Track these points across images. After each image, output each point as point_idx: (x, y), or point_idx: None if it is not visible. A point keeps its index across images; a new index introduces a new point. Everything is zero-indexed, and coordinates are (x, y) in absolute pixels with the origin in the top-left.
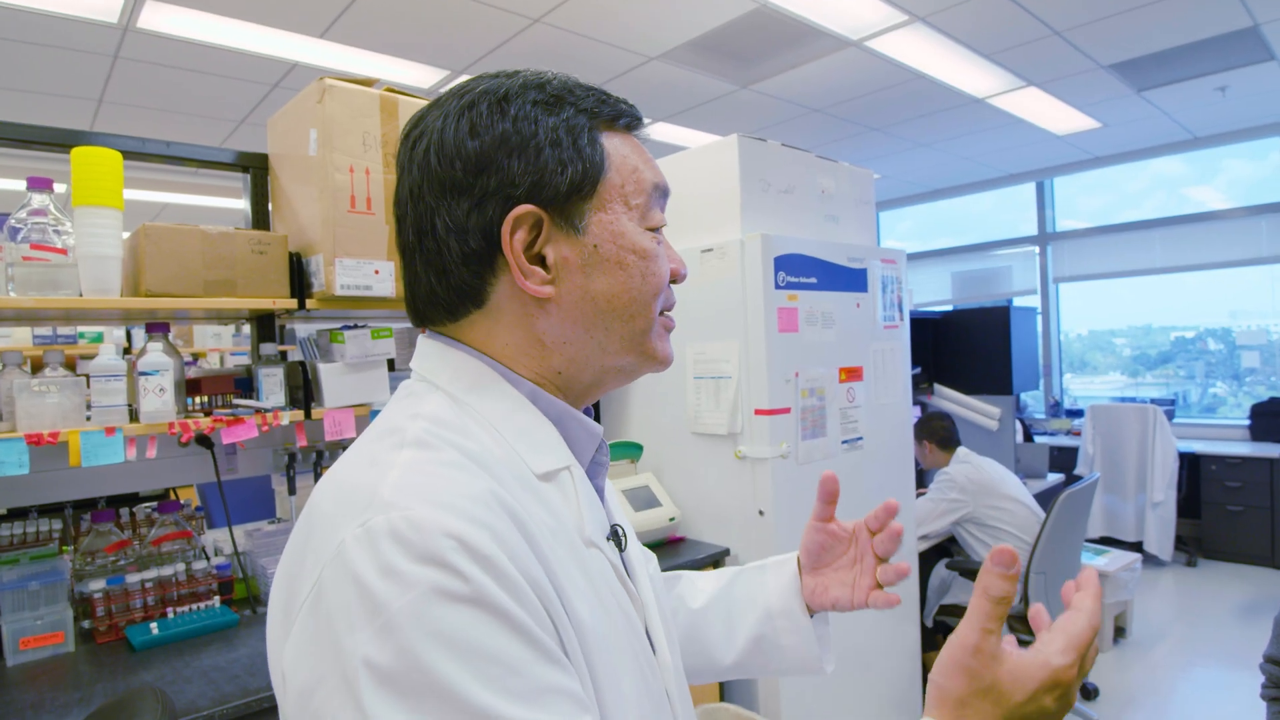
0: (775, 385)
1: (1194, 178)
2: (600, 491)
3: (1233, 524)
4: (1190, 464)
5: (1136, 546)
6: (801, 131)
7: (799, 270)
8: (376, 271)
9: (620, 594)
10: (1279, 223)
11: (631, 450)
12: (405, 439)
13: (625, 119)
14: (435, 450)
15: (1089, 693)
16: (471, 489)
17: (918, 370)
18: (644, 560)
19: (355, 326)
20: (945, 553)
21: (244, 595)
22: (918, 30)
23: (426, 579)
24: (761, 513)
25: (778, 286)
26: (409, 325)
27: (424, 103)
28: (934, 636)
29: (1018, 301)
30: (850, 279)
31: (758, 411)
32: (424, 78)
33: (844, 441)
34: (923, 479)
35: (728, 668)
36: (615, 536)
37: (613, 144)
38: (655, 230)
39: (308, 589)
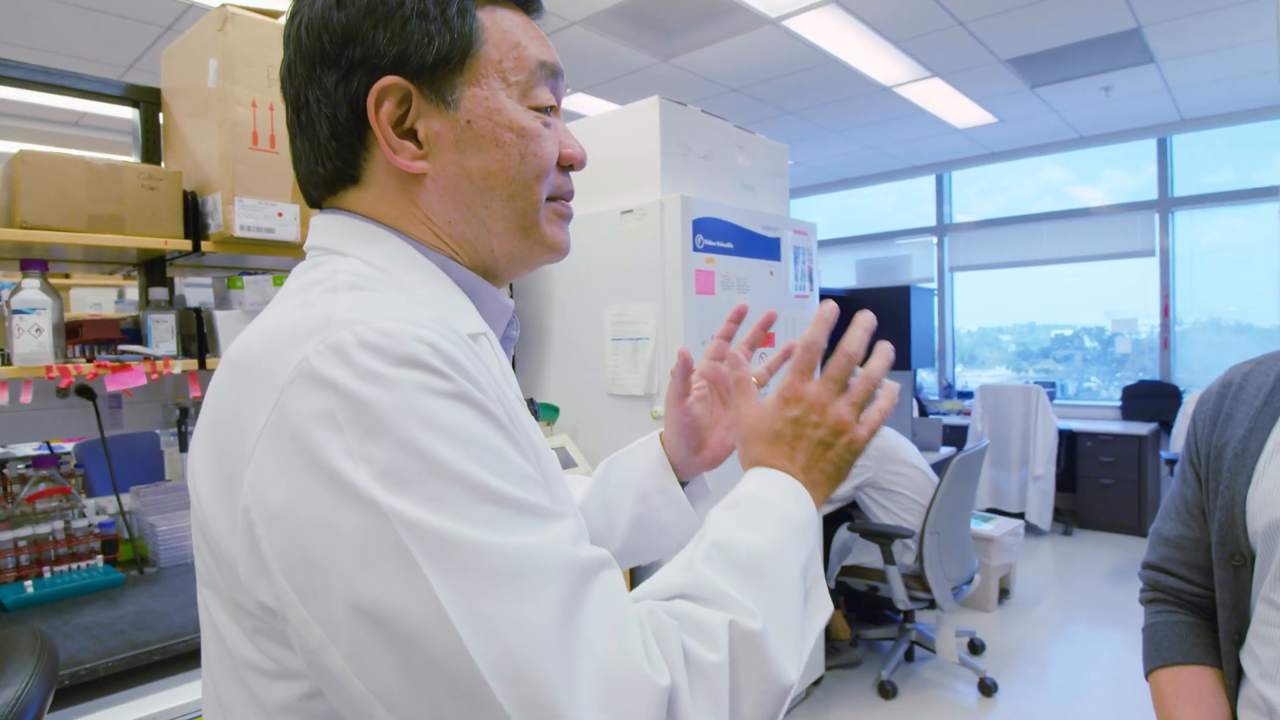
0: (692, 347)
1: (1076, 179)
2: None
3: (1105, 496)
4: (1068, 441)
5: (1019, 517)
6: (720, 110)
7: (716, 235)
8: (280, 214)
9: (546, 449)
10: (1151, 219)
11: (549, 412)
12: (337, 284)
13: None
14: (374, 291)
15: (975, 647)
16: (427, 314)
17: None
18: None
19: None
20: (847, 517)
21: (130, 556)
22: (833, 11)
23: (410, 378)
24: None
25: (696, 249)
26: None
27: None
28: (836, 597)
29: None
30: (765, 246)
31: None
32: None
33: None
34: None
35: (614, 555)
36: (530, 406)
37: (492, 18)
38: (543, 111)
39: (262, 419)
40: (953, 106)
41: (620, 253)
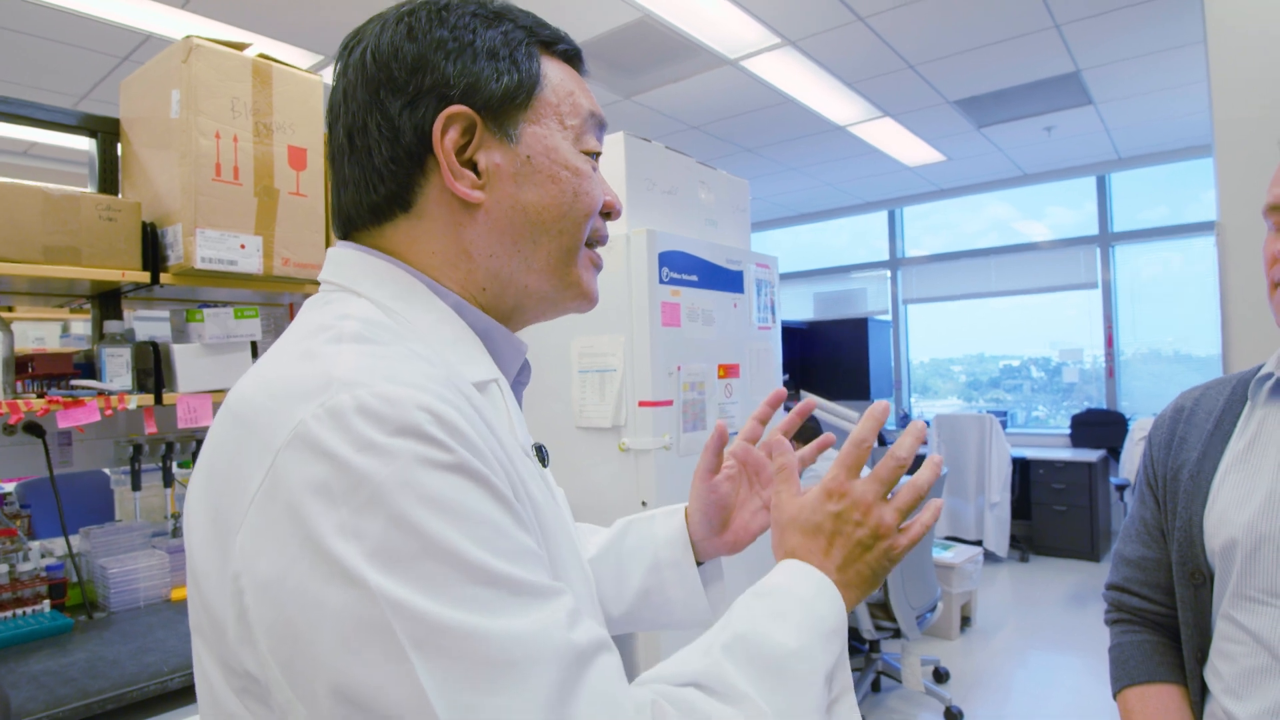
0: (658, 378)
1: (1022, 215)
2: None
3: (1058, 522)
4: (1021, 469)
5: (977, 544)
6: (682, 147)
7: (682, 268)
8: (243, 246)
9: (553, 504)
10: (1092, 253)
11: None
12: (343, 334)
13: (563, 45)
14: (380, 345)
15: (940, 676)
16: (429, 373)
17: (786, 377)
18: (556, 486)
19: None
20: None
21: (79, 601)
22: (789, 54)
23: (408, 450)
24: (644, 503)
25: (662, 282)
26: (275, 307)
27: (302, 74)
28: None
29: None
30: (728, 279)
31: (641, 404)
32: (297, 60)
33: None
34: None
35: (616, 619)
36: (539, 454)
37: (550, 66)
38: (591, 157)
39: (256, 482)
40: (904, 145)
41: None
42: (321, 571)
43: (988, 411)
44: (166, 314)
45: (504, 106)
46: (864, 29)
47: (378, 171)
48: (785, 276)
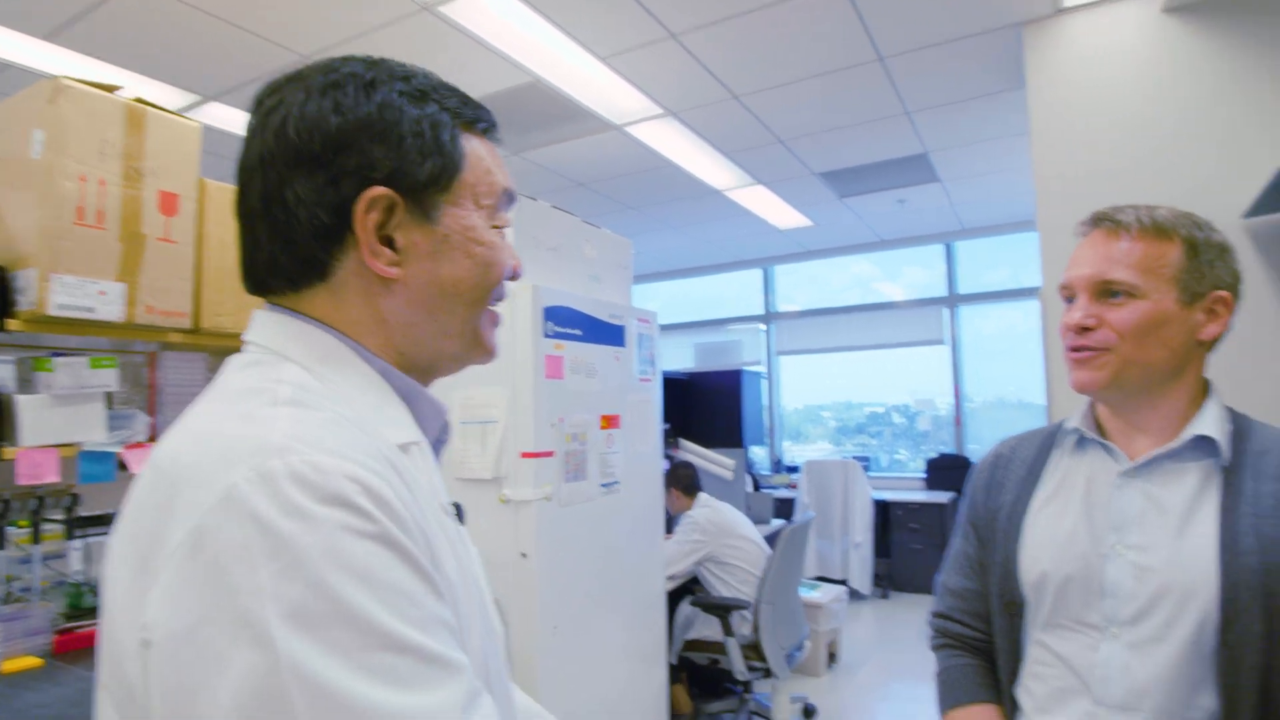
0: (540, 429)
1: (882, 276)
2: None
3: (915, 560)
4: (882, 510)
5: (843, 583)
6: (568, 203)
7: (566, 322)
8: (103, 293)
9: (469, 563)
10: (941, 312)
11: None
12: (278, 398)
13: (484, 124)
14: (314, 410)
15: (809, 712)
16: (360, 442)
17: (667, 426)
18: (469, 543)
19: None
20: (689, 592)
21: None
22: (670, 123)
23: (334, 518)
24: (524, 555)
25: (546, 335)
26: (134, 357)
27: (179, 119)
28: (678, 672)
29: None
30: (611, 334)
31: (523, 454)
32: (168, 99)
33: (603, 485)
34: (670, 524)
35: None
36: (457, 512)
37: (470, 145)
38: (500, 229)
39: (179, 539)
40: (775, 210)
41: None
42: (231, 631)
43: (853, 457)
44: (12, 360)
45: (427, 189)
46: (739, 106)
47: (294, 243)
48: (668, 327)
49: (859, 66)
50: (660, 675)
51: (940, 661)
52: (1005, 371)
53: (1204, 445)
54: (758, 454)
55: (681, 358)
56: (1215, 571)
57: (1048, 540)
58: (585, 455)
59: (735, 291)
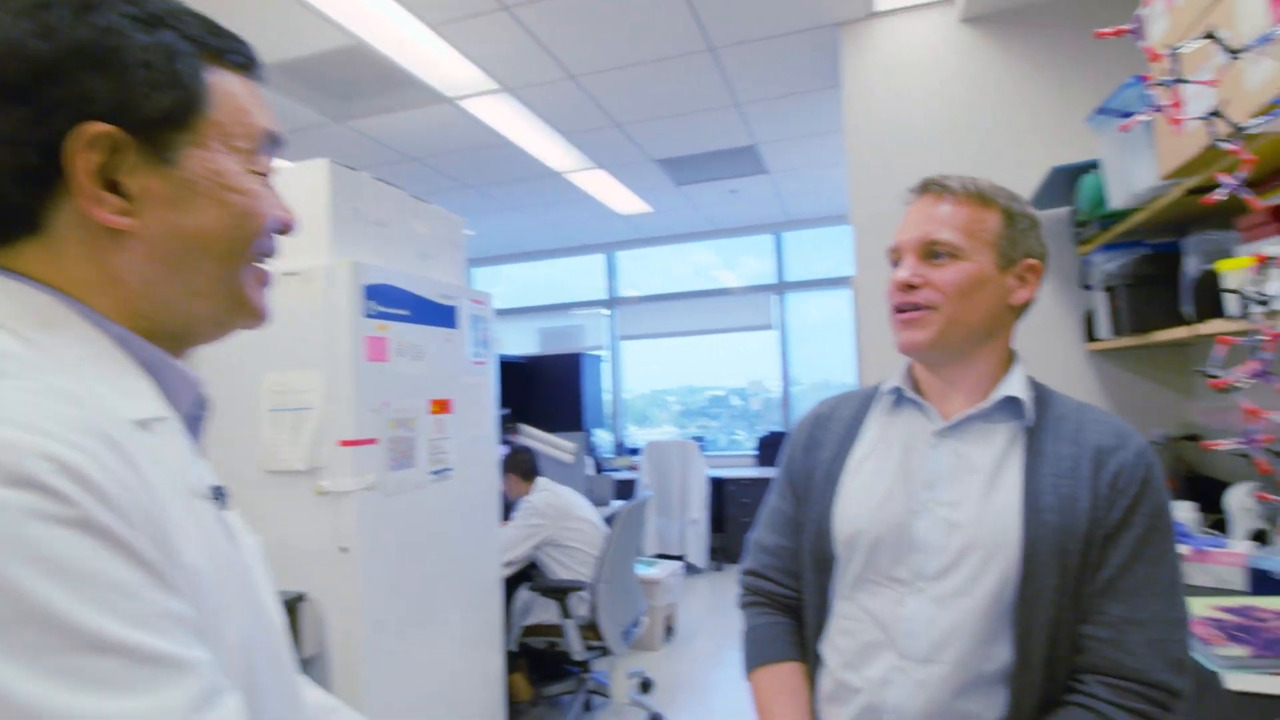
0: (363, 415)
1: (720, 263)
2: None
3: (747, 533)
4: (717, 487)
5: (680, 559)
6: (399, 178)
7: (391, 301)
8: None
9: (229, 551)
10: (770, 299)
11: None
12: None
13: (236, 56)
14: (16, 379)
15: (646, 686)
16: (67, 415)
17: (507, 411)
18: (246, 530)
19: None
20: (527, 578)
21: None
22: (506, 100)
23: (19, 501)
24: (345, 549)
25: (368, 315)
26: None
27: None
28: (517, 659)
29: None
30: (441, 314)
31: (342, 443)
32: None
33: (433, 472)
34: (509, 510)
35: None
36: (218, 495)
37: (219, 80)
38: (262, 175)
39: None
40: (615, 195)
41: (282, 318)
42: None
43: (692, 437)
44: None
45: (161, 127)
46: (575, 87)
47: None
48: (513, 311)
49: (691, 55)
50: (497, 663)
51: (748, 620)
52: (827, 355)
53: (1011, 407)
54: (602, 438)
55: (527, 342)
56: (1018, 528)
57: (863, 497)
58: (413, 442)
59: (579, 276)
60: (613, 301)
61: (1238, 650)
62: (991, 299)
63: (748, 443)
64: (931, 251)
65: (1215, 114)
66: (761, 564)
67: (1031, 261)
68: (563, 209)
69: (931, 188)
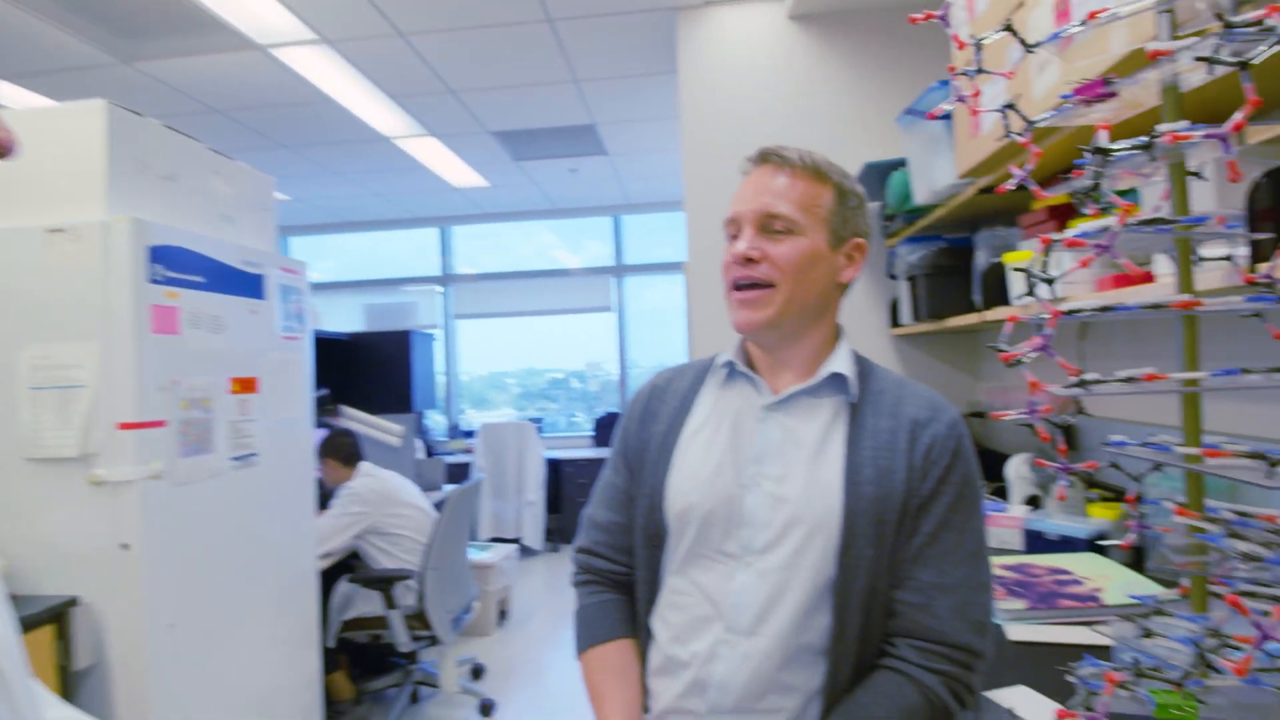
0: (147, 394)
1: (561, 244)
2: None
3: (582, 512)
4: (554, 468)
5: (515, 542)
6: (202, 132)
7: (183, 266)
8: None
9: None
10: (610, 281)
11: None
12: None
13: None
14: None
15: (477, 673)
16: None
17: (326, 392)
18: None
19: None
20: (347, 569)
21: None
22: (326, 52)
23: None
24: (125, 546)
25: (153, 281)
26: None
27: None
28: (336, 656)
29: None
30: (246, 283)
31: (122, 426)
32: None
33: (234, 458)
34: (328, 499)
35: None
36: None
37: None
38: None
39: None
40: (450, 166)
41: (44, 280)
42: None
43: (531, 419)
44: None
45: None
46: (405, 45)
47: None
48: (337, 285)
49: (529, 24)
50: (314, 663)
51: (580, 599)
52: (663, 339)
53: (837, 382)
54: (436, 420)
55: (352, 319)
56: (840, 501)
57: (695, 471)
58: (211, 424)
59: (412, 252)
60: (447, 278)
61: (1017, 604)
62: (824, 277)
63: (586, 424)
64: (769, 225)
65: (1010, 107)
66: (594, 541)
67: (859, 240)
68: (392, 178)
69: (771, 158)
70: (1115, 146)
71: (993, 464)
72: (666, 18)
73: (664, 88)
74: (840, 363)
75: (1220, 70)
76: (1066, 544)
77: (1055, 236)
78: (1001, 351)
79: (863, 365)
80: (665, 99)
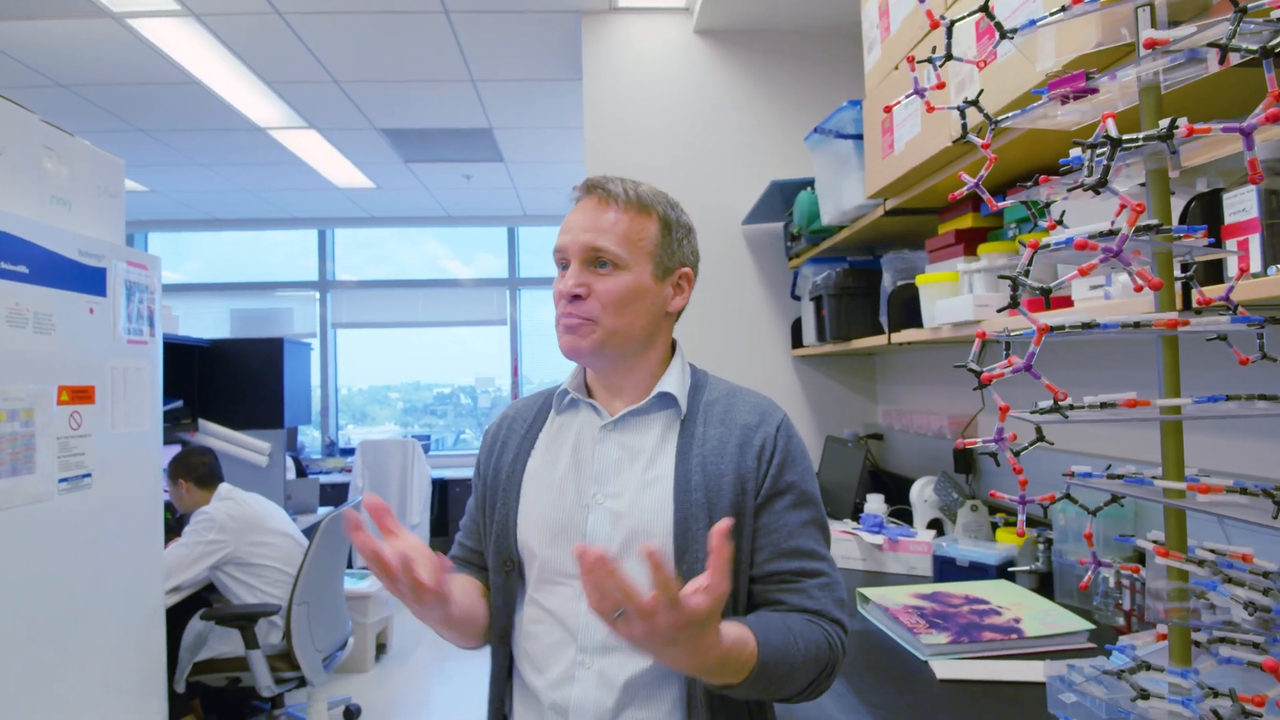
0: None
1: (452, 254)
2: None
3: None
4: (441, 489)
5: None
6: (44, 108)
7: (1, 254)
8: None
9: None
10: (504, 294)
11: None
12: None
13: None
14: None
15: (351, 714)
16: None
17: (180, 404)
18: None
19: None
20: (203, 603)
21: None
22: (192, 26)
23: None
24: None
25: None
26: None
27: None
28: (189, 702)
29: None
30: (82, 278)
31: None
32: None
33: (63, 480)
34: (181, 525)
35: None
36: None
37: None
38: None
39: None
40: (331, 164)
41: None
42: None
43: (417, 437)
44: None
45: None
46: (282, 24)
47: None
48: (200, 287)
49: (424, 15)
50: (159, 711)
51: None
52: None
53: (666, 400)
54: (311, 436)
55: (217, 324)
56: (671, 508)
57: (540, 496)
58: (32, 440)
59: (286, 255)
60: (325, 284)
61: (939, 637)
62: (650, 308)
63: (475, 441)
64: (596, 259)
65: (971, 103)
66: (460, 558)
67: (685, 270)
68: (265, 173)
69: (595, 190)
70: (1127, 137)
71: (895, 487)
72: (569, 20)
73: (566, 95)
74: (670, 383)
75: (1213, 66)
76: (977, 570)
77: (1049, 241)
78: (980, 372)
79: (697, 378)
80: (568, 107)
